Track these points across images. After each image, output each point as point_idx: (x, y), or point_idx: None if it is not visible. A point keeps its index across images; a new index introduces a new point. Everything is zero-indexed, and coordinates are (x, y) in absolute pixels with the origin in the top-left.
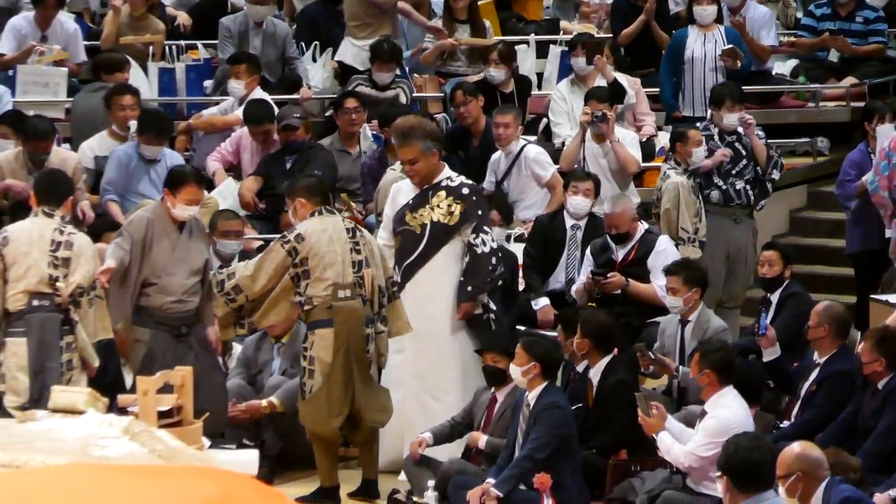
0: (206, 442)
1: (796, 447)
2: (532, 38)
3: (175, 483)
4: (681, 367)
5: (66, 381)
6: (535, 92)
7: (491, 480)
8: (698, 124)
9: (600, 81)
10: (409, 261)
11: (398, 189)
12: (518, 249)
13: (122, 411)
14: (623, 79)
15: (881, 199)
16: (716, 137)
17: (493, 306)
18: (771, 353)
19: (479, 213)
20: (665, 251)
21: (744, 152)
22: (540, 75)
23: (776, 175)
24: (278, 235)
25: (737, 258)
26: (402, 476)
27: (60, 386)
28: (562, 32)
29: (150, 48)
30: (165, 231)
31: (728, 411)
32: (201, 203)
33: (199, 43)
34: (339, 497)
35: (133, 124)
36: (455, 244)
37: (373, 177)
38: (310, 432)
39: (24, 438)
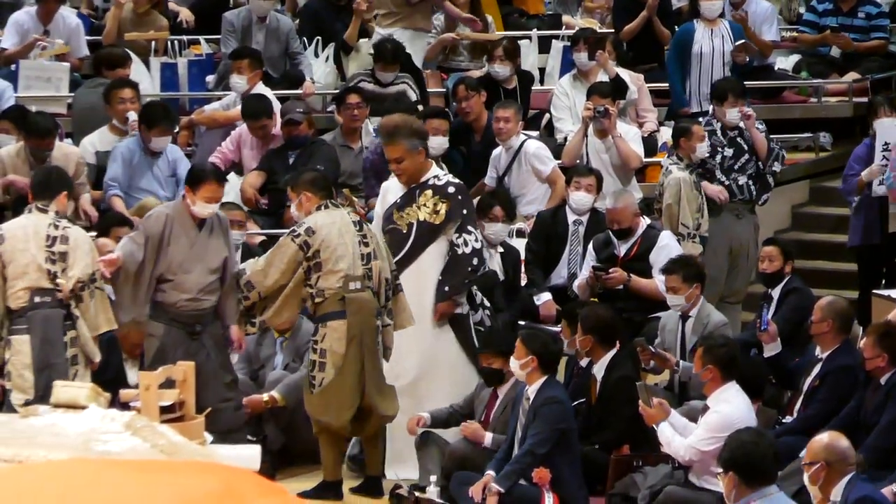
0: (209, 437)
1: (825, 437)
2: (534, 33)
3: (177, 478)
4: (681, 362)
5: (72, 376)
6: (537, 87)
7: (491, 473)
8: (700, 119)
9: (602, 77)
10: (395, 259)
11: (387, 188)
12: (520, 245)
13: (125, 406)
14: (626, 74)
15: None
16: (718, 133)
17: (486, 303)
18: (772, 349)
19: (464, 212)
20: (667, 246)
21: (745, 147)
22: (542, 70)
23: (777, 167)
24: (280, 230)
25: (739, 253)
26: (403, 474)
27: (62, 381)
28: (564, 27)
29: (153, 44)
30: (184, 228)
31: (730, 406)
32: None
33: (201, 38)
34: (342, 492)
35: (132, 115)
36: (441, 243)
37: (375, 172)
38: (318, 425)
39: (26, 434)
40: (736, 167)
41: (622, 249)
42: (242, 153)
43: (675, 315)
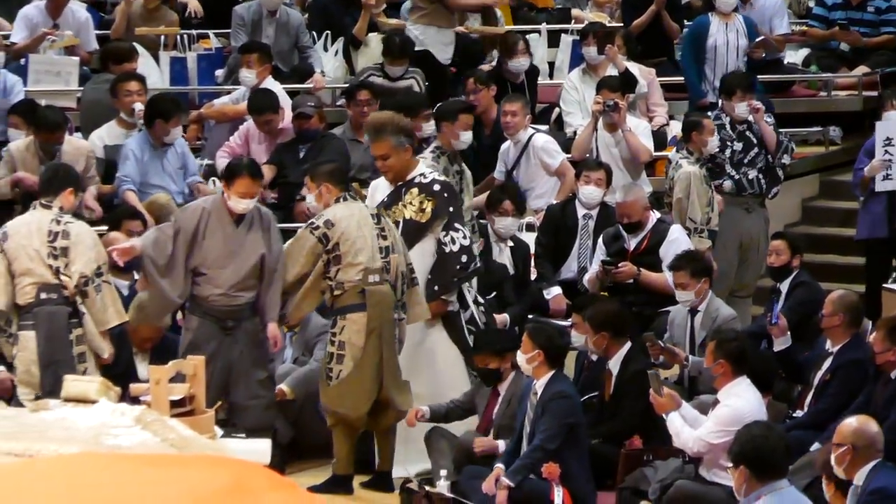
0: (219, 431)
1: (855, 420)
2: (543, 27)
3: (187, 472)
4: (690, 356)
5: (81, 373)
6: (546, 81)
7: (501, 467)
8: (709, 113)
9: (612, 71)
10: None
11: (376, 186)
12: (530, 239)
13: (135, 401)
14: (636, 68)
15: None
16: (727, 127)
17: (479, 299)
18: (782, 343)
19: (451, 209)
20: (677, 240)
21: (755, 141)
22: (551, 64)
23: (787, 160)
24: (289, 224)
25: (749, 247)
26: (403, 472)
27: (73, 376)
28: (573, 21)
29: (163, 38)
30: (221, 223)
31: (741, 401)
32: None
33: (210, 32)
34: (353, 486)
35: (138, 106)
36: (428, 241)
37: None
38: (334, 417)
39: (37, 428)
40: (746, 161)
41: (632, 243)
42: (251, 147)
43: (684, 310)
